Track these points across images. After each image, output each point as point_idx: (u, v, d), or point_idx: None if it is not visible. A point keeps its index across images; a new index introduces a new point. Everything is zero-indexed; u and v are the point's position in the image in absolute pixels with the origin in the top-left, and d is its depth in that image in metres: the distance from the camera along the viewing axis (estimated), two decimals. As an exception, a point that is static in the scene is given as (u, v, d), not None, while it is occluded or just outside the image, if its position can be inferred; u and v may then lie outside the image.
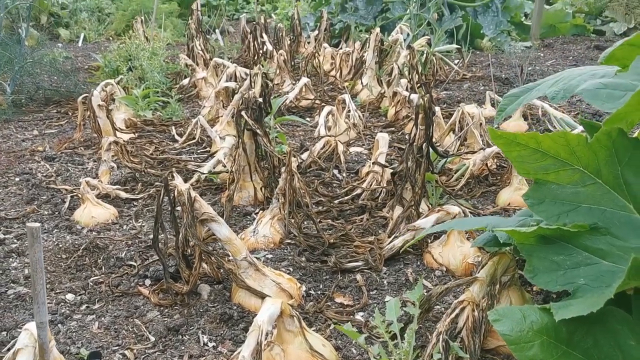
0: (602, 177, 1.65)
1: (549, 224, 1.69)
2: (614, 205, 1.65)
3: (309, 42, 7.79)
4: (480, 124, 3.64)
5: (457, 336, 1.99)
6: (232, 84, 4.81)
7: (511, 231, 1.69)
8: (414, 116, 2.90)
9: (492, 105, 4.86)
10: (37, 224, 1.47)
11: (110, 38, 9.64)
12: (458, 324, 1.98)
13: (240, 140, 3.21)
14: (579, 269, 1.65)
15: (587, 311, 1.41)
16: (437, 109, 3.92)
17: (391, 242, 2.70)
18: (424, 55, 5.43)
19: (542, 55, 7.69)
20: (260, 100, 3.20)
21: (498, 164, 3.64)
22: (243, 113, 3.15)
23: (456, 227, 2.01)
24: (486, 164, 3.43)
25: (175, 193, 2.36)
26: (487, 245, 2.13)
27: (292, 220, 2.89)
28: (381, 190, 3.27)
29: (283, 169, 2.87)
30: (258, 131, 3.18)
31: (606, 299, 1.40)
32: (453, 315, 1.98)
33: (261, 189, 3.30)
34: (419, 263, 2.67)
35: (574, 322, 1.49)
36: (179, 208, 2.40)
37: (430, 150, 2.94)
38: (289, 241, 2.85)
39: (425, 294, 2.12)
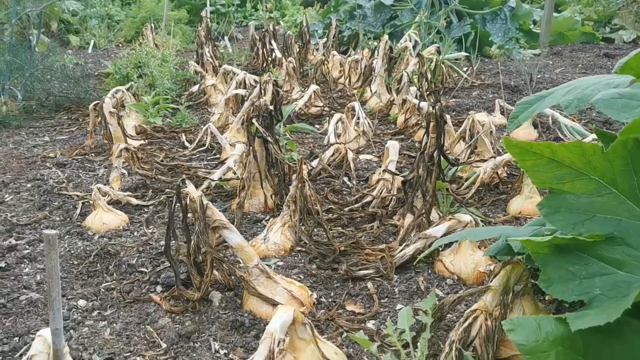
0: (618, 186, 1.64)
1: (564, 234, 1.68)
2: (630, 215, 1.64)
3: (317, 50, 7.81)
4: (491, 132, 3.63)
5: (470, 345, 1.99)
6: (241, 91, 4.83)
7: (526, 240, 1.68)
8: (425, 124, 2.90)
9: (502, 113, 4.86)
10: (54, 232, 1.47)
11: (120, 45, 9.70)
12: (471, 333, 1.97)
13: (250, 147, 3.22)
14: (594, 279, 1.64)
15: (603, 321, 1.40)
16: (447, 117, 3.93)
17: (402, 250, 2.70)
18: (433, 63, 5.44)
19: (551, 62, 7.68)
20: (271, 108, 3.21)
21: (509, 172, 3.63)
22: (254, 120, 3.16)
23: (469, 237, 2.00)
24: (497, 172, 3.42)
25: (188, 200, 2.37)
26: (500, 254, 2.12)
27: (303, 228, 2.89)
28: (391, 198, 3.27)
29: (294, 177, 2.87)
30: (269, 138, 3.19)
31: (623, 309, 1.39)
32: (466, 324, 1.97)
33: (271, 196, 3.31)
34: (430, 271, 2.66)
35: (591, 332, 1.48)
36: (190, 215, 2.41)
37: (441, 158, 2.93)
38: (299, 249, 2.85)
39: (438, 302, 2.12)
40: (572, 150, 1.63)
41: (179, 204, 2.41)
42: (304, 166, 2.83)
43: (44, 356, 1.74)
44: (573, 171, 1.68)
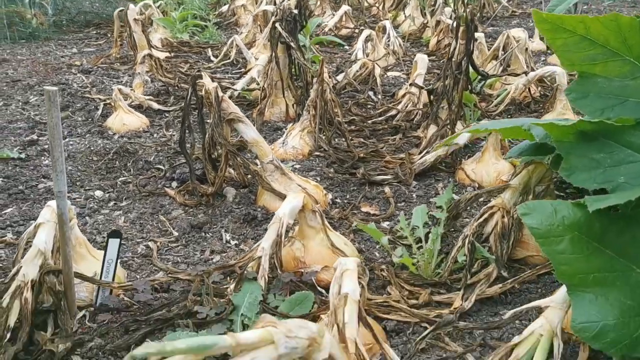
0: (654, 68, 1.52)
1: (591, 119, 1.58)
2: (665, 99, 1.52)
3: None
4: (526, 49, 3.45)
5: (484, 243, 1.92)
6: (270, 7, 4.69)
7: (549, 125, 1.58)
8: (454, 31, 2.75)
9: (541, 39, 4.62)
10: (55, 88, 1.44)
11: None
12: (486, 229, 1.91)
13: (273, 54, 3.13)
14: (619, 167, 1.54)
15: (624, 199, 1.32)
16: (481, 34, 3.75)
17: (423, 157, 2.61)
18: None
19: (599, -4, 7.26)
20: (296, 12, 3.09)
21: (542, 92, 3.46)
22: (277, 25, 3.06)
23: (491, 126, 1.91)
24: (529, 90, 3.26)
25: (203, 92, 2.32)
26: (523, 155, 2.02)
27: (323, 137, 2.82)
28: (417, 112, 3.17)
29: (315, 80, 2.79)
30: (292, 44, 3.09)
31: (647, 188, 1.30)
32: (481, 219, 1.90)
33: (293, 105, 3.24)
34: (450, 179, 2.58)
35: (609, 218, 1.40)
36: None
37: (470, 67, 2.80)
38: (318, 154, 2.79)
39: (454, 200, 2.05)
40: (608, 25, 1.50)
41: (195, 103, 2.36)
42: (325, 69, 2.74)
43: (51, 225, 1.74)
44: (607, 51, 1.56)
